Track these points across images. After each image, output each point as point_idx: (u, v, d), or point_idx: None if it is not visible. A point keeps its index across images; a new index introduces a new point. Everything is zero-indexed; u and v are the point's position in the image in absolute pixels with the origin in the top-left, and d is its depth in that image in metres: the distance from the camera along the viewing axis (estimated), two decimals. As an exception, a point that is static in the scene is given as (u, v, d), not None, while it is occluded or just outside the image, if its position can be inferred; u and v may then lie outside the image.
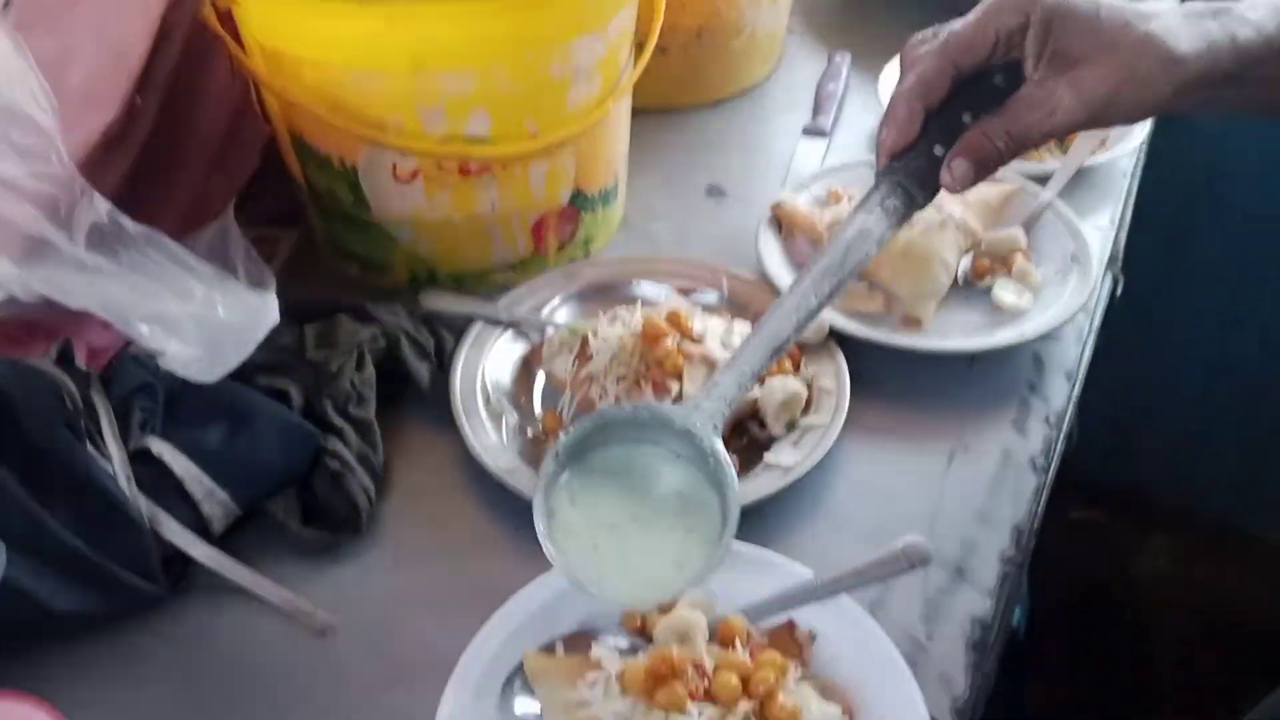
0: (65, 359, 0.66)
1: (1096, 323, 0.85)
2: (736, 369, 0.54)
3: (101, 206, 0.59)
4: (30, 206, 0.57)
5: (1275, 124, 1.38)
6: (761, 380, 0.71)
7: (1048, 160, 0.98)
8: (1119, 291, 0.95)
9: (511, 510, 0.66)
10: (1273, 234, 1.66)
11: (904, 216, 0.58)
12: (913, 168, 0.57)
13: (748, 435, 0.72)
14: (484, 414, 0.71)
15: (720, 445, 0.53)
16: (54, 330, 0.69)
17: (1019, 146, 0.56)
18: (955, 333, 0.79)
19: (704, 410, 0.53)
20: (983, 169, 0.56)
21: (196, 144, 0.71)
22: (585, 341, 0.72)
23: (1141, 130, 1.00)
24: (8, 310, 0.61)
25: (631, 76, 0.83)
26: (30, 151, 0.59)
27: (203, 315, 0.59)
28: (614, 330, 0.71)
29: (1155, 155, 1.15)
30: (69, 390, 0.63)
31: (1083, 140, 0.94)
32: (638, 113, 1.05)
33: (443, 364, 0.75)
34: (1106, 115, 0.54)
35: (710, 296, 0.82)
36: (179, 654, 0.61)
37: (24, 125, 0.59)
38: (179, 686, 0.59)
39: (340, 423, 0.68)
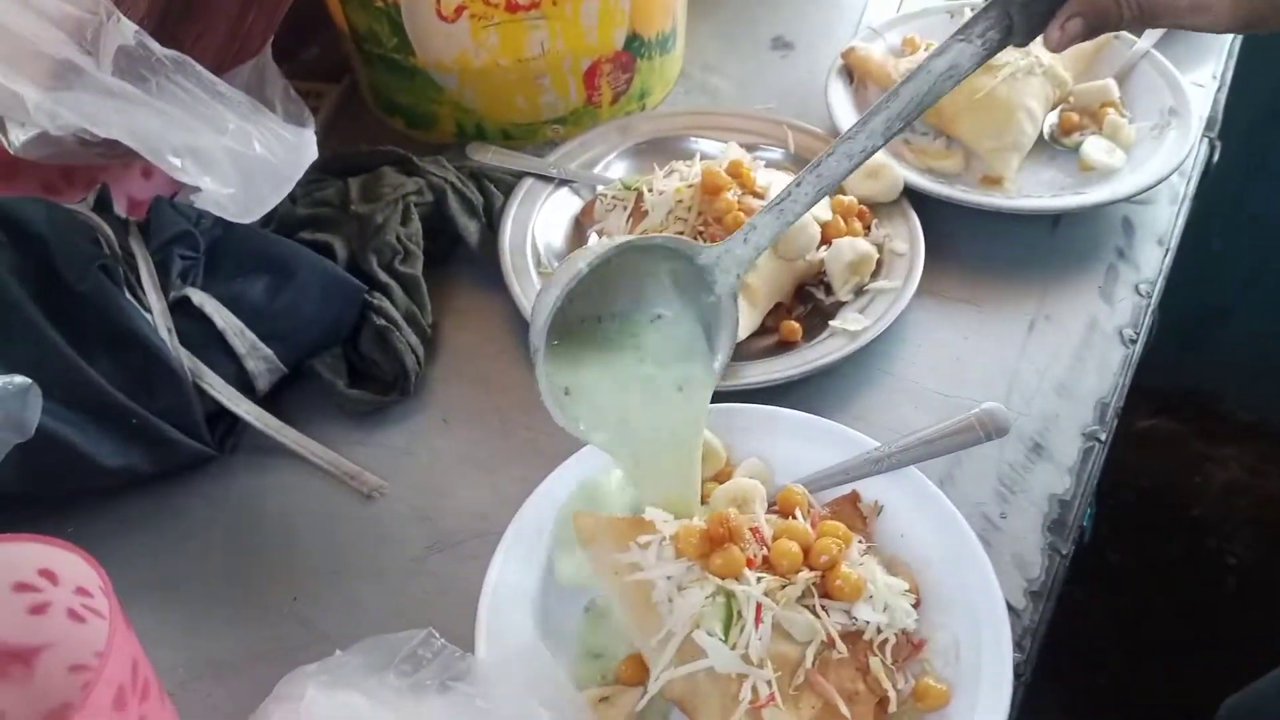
0: (103, 206, 0.64)
1: (1191, 189, 0.79)
2: (778, 211, 0.53)
3: (128, 29, 0.55)
4: (56, 29, 0.54)
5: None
6: (828, 241, 0.67)
7: (1147, 9, 0.90)
8: (1215, 159, 0.87)
9: (563, 373, 0.64)
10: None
11: (994, 52, 0.54)
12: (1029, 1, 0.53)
13: (813, 301, 0.67)
14: (534, 275, 0.67)
15: (736, 290, 0.53)
16: (92, 178, 0.67)
17: (1144, 21, 0.51)
18: (1039, 191, 0.74)
19: (734, 255, 0.53)
20: (1095, 30, 0.52)
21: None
22: (640, 197, 0.68)
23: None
24: (41, 150, 0.58)
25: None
26: (57, -29, 0.55)
27: (238, 150, 0.56)
28: (670, 183, 0.67)
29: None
30: (105, 235, 0.60)
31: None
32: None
33: (491, 222, 0.71)
34: (1254, 29, 0.50)
35: (776, 153, 0.77)
36: (223, 515, 0.59)
37: (51, -55, 0.55)
38: (222, 548, 0.58)
39: (386, 279, 0.65)
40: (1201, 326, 1.86)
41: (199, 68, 0.55)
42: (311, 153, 0.57)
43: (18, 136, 0.57)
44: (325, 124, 0.84)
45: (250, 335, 0.61)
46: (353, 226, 0.68)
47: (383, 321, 0.63)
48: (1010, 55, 0.74)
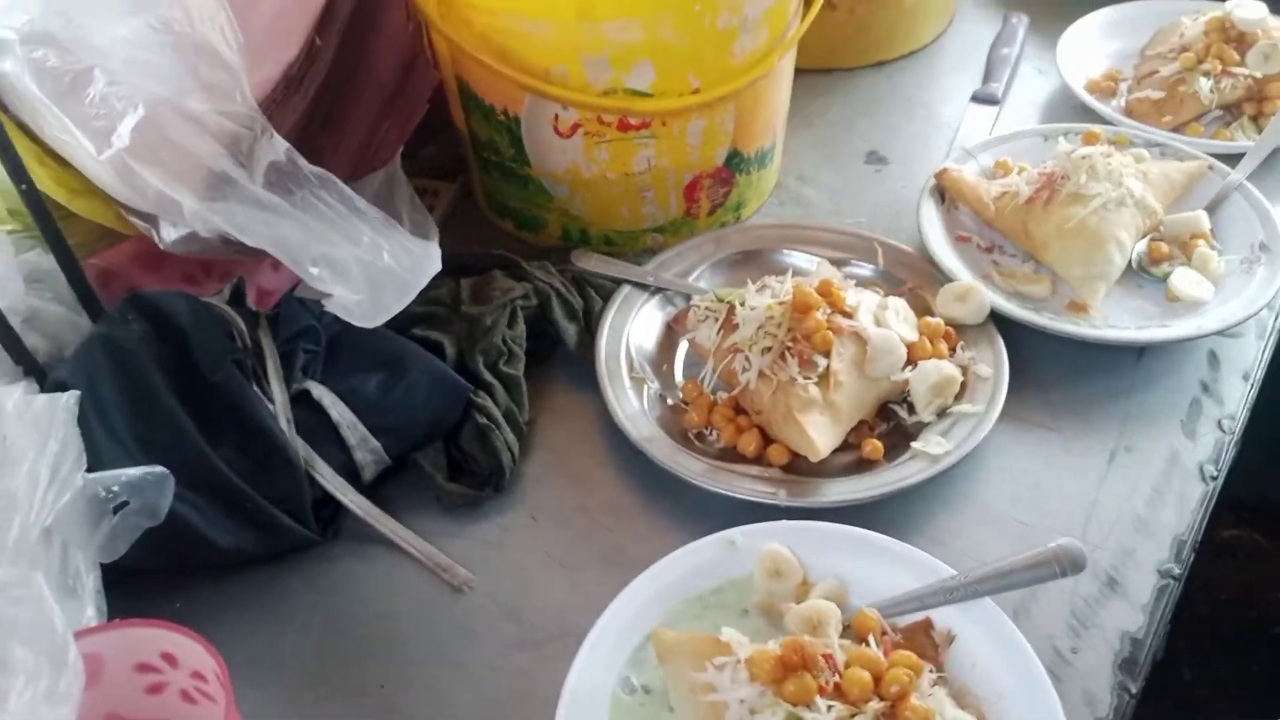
0: (236, 299, 0.69)
1: (1281, 321, 0.79)
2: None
3: (280, 145, 0.61)
4: (214, 142, 0.60)
5: None
6: (914, 361, 0.69)
7: (1239, 139, 0.91)
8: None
9: (649, 478, 0.67)
10: None
11: None
12: None
13: (896, 420, 0.70)
14: (626, 379, 0.71)
15: None
16: (227, 270, 0.73)
17: None
18: (1125, 321, 0.75)
19: None
20: None
21: (370, 88, 0.72)
22: (731, 310, 0.71)
23: (1352, 108, 0.91)
24: (187, 247, 0.63)
25: (799, 30, 0.80)
26: (216, 88, 0.61)
27: (368, 260, 0.61)
28: (762, 299, 0.70)
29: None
30: (239, 329, 0.66)
31: (1283, 118, 0.86)
32: (798, 72, 1.02)
33: (590, 326, 0.75)
34: None
35: (865, 269, 0.80)
36: (323, 599, 0.63)
37: (212, 61, 0.61)
38: (320, 630, 0.62)
39: (490, 378, 0.69)
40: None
41: (340, 184, 0.60)
42: (435, 265, 0.62)
43: (169, 234, 0.63)
44: (439, 221, 0.89)
45: (362, 428, 0.66)
46: (462, 326, 0.72)
47: (484, 420, 0.67)
48: (1101, 187, 0.76)
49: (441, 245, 0.87)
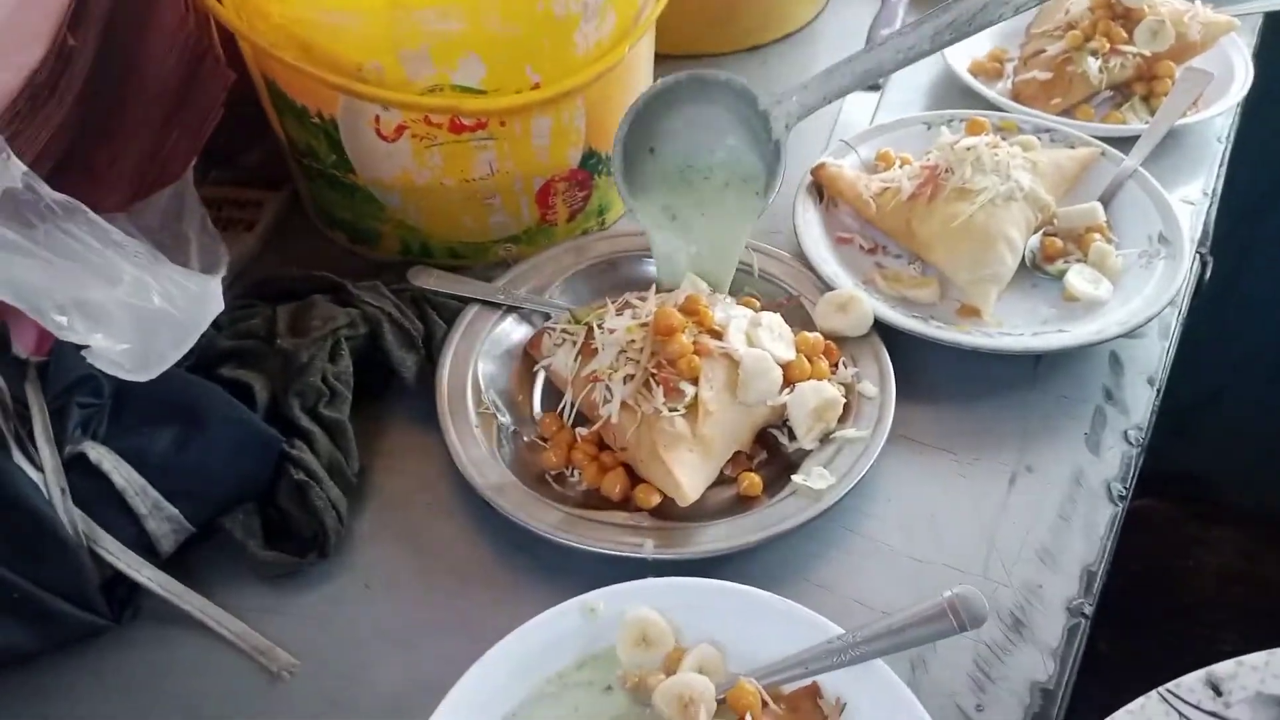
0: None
1: (1184, 314, 0.74)
2: (825, 83, 0.63)
3: (16, 170, 0.50)
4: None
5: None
6: (791, 384, 0.62)
7: (1132, 121, 0.86)
8: (1208, 275, 0.83)
9: (501, 532, 0.58)
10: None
11: None
12: None
13: (776, 446, 0.62)
14: (473, 416, 0.62)
15: (785, 140, 0.65)
16: (-10, 312, 0.61)
17: None
18: (1020, 325, 0.69)
19: (784, 106, 0.64)
20: None
21: (149, 93, 0.62)
22: (590, 332, 0.63)
23: (1241, 86, 0.87)
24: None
25: (652, 14, 0.72)
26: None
27: (134, 302, 0.51)
28: (623, 320, 0.62)
29: (1251, 111, 1.03)
30: (-5, 384, 0.55)
31: (1173, 98, 0.82)
32: (664, 58, 0.95)
33: (432, 354, 0.66)
34: None
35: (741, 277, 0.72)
36: (117, 696, 0.53)
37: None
38: (114, 735, 0.52)
39: (309, 424, 0.60)
40: (1193, 410, 1.83)
41: (92, 214, 0.50)
42: (216, 305, 0.52)
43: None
44: (264, 235, 0.79)
45: (153, 493, 0.55)
46: (277, 363, 0.62)
47: (302, 475, 0.57)
48: (988, 180, 0.70)
49: (266, 264, 0.78)
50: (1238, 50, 0.90)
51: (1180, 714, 0.42)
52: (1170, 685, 0.43)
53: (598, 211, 0.78)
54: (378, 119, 0.66)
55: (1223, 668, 0.43)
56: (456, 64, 0.63)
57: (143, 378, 0.51)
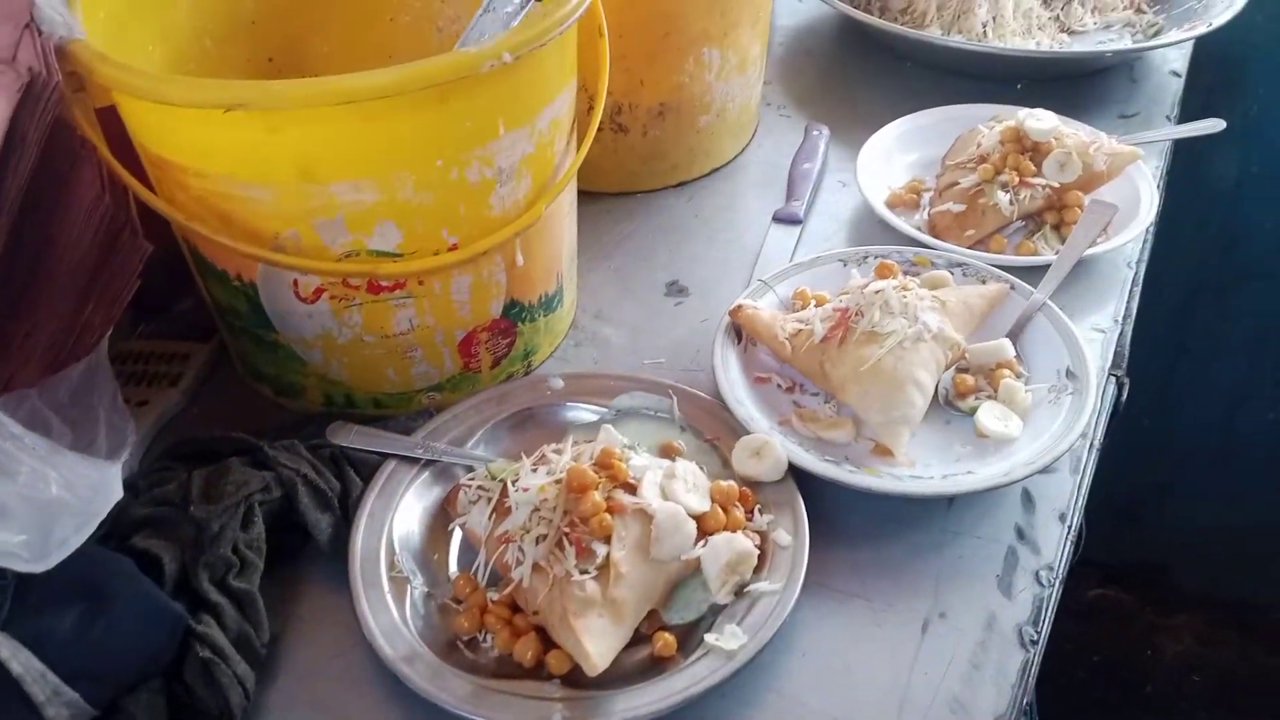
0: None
1: (1098, 442, 0.76)
2: None
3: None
4: None
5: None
6: (705, 535, 0.62)
7: (1044, 250, 0.89)
8: (1124, 397, 0.85)
9: (412, 703, 0.57)
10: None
11: None
12: None
13: (690, 601, 0.62)
14: (385, 580, 0.62)
15: None
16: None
17: None
18: (934, 464, 0.70)
19: None
20: None
21: (64, 270, 0.63)
22: (505, 489, 0.63)
23: (1148, 213, 0.90)
24: None
25: (569, 172, 0.74)
26: None
27: (32, 495, 0.51)
28: (536, 477, 0.62)
29: (1167, 228, 1.06)
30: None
31: (1079, 231, 0.85)
32: (594, 196, 0.98)
33: (348, 513, 0.66)
34: None
35: (663, 419, 0.73)
36: None
37: None
38: None
39: (217, 597, 0.59)
40: (1142, 501, 1.86)
41: (-14, 410, 0.50)
42: (115, 493, 0.53)
43: None
44: (190, 389, 0.79)
45: (53, 679, 0.54)
46: (189, 532, 0.62)
47: (207, 652, 0.57)
48: (896, 323, 0.72)
49: (191, 418, 0.78)
50: (1144, 178, 0.94)
51: None
52: None
53: (523, 356, 0.79)
54: (296, 282, 0.67)
55: None
56: (372, 231, 0.64)
57: (41, 568, 0.51)
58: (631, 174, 0.99)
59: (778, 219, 0.95)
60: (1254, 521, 1.71)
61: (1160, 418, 1.77)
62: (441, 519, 0.68)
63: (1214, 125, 1.00)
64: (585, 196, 0.98)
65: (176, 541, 0.62)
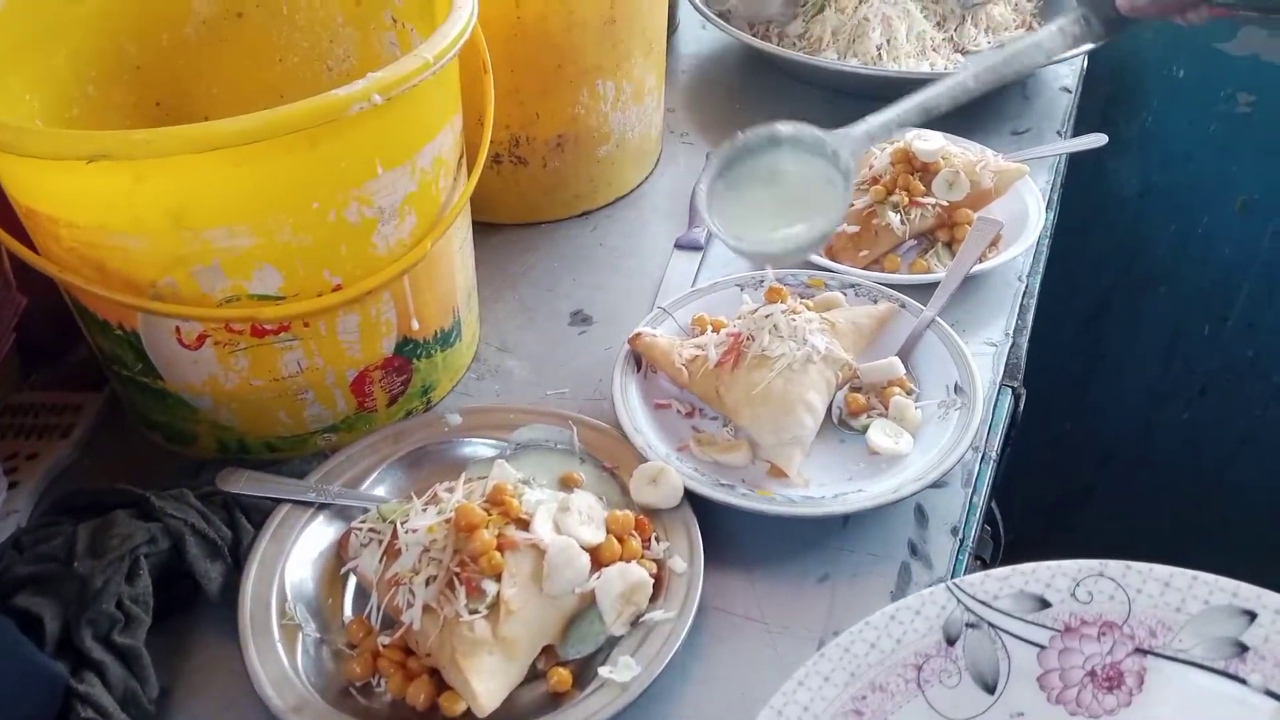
0: None
1: (993, 454, 0.77)
2: (888, 116, 0.72)
3: None
4: None
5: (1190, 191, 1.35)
6: (599, 568, 0.62)
7: (936, 267, 0.91)
8: (1021, 408, 0.87)
9: (303, 754, 0.57)
10: (1197, 303, 1.64)
11: (1079, 42, 0.71)
12: (1099, 2, 0.69)
13: (587, 634, 0.62)
14: (276, 629, 0.61)
15: (854, 166, 0.71)
16: None
17: None
18: (829, 483, 0.71)
19: (851, 138, 0.71)
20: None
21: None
22: (396, 531, 0.63)
23: (1036, 228, 0.92)
24: None
25: (457, 207, 0.74)
26: None
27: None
28: (425, 519, 0.62)
29: (1077, 238, 1.09)
30: None
31: (965, 249, 0.86)
32: (498, 227, 0.98)
33: (240, 561, 0.65)
34: None
35: (564, 451, 0.73)
36: None
37: None
38: None
39: (101, 655, 0.58)
40: (1066, 505, 1.89)
41: None
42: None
43: None
44: (81, 441, 0.78)
45: (-77, 751, 0.53)
46: (73, 588, 0.61)
47: (90, 712, 0.56)
48: (785, 347, 0.73)
49: (82, 470, 0.77)
50: (1032, 193, 0.96)
51: (959, 601, 0.53)
52: (959, 580, 0.53)
53: (421, 393, 0.78)
54: (178, 330, 0.66)
55: (998, 571, 0.53)
56: (251, 275, 0.64)
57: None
58: (534, 205, 0.99)
59: (680, 245, 0.96)
60: (1173, 519, 1.75)
61: (1081, 423, 1.82)
62: (336, 563, 0.67)
63: (1097, 140, 1.03)
64: (488, 228, 0.99)
65: (59, 599, 0.60)
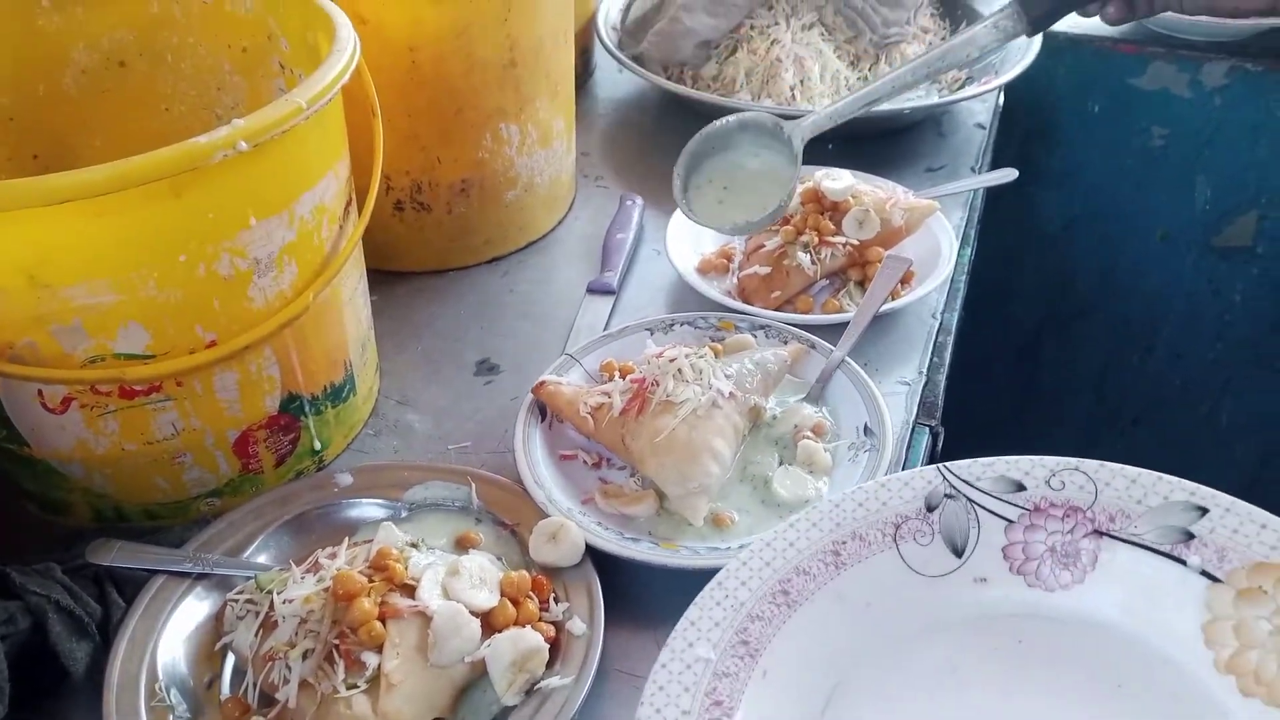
0: None
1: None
2: (834, 108, 0.81)
3: None
4: None
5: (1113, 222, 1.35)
6: (492, 634, 0.59)
7: (848, 305, 0.90)
8: (940, 446, 0.85)
9: None
10: (1126, 333, 1.65)
11: (1010, 38, 0.76)
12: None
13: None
14: (145, 712, 0.57)
15: (801, 150, 0.82)
16: None
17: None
18: (741, 533, 0.68)
19: (801, 127, 0.82)
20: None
21: None
22: (274, 602, 0.59)
23: (948, 264, 0.91)
24: None
25: (343, 256, 0.71)
26: None
27: None
28: (302, 589, 0.58)
29: (1005, 272, 1.09)
30: None
31: (875, 287, 0.85)
32: (403, 276, 0.96)
33: (109, 639, 0.61)
34: None
35: (462, 507, 0.70)
36: None
37: None
38: None
39: (-57, 750, 0.54)
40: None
41: None
42: None
43: None
44: (-52, 513, 0.73)
45: None
46: (-80, 677, 0.56)
47: (-74, 816, 0.51)
48: (689, 392, 0.70)
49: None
50: (944, 230, 0.95)
51: (945, 479, 0.59)
52: (949, 463, 0.59)
53: (311, 452, 0.75)
54: (41, 393, 0.63)
55: (985, 459, 0.59)
56: (116, 334, 0.60)
57: None
58: (440, 252, 0.96)
59: (591, 290, 0.94)
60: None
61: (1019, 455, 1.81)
62: (214, 638, 0.63)
63: (1008, 175, 1.03)
64: (393, 277, 0.96)
65: (-97, 690, 0.56)
